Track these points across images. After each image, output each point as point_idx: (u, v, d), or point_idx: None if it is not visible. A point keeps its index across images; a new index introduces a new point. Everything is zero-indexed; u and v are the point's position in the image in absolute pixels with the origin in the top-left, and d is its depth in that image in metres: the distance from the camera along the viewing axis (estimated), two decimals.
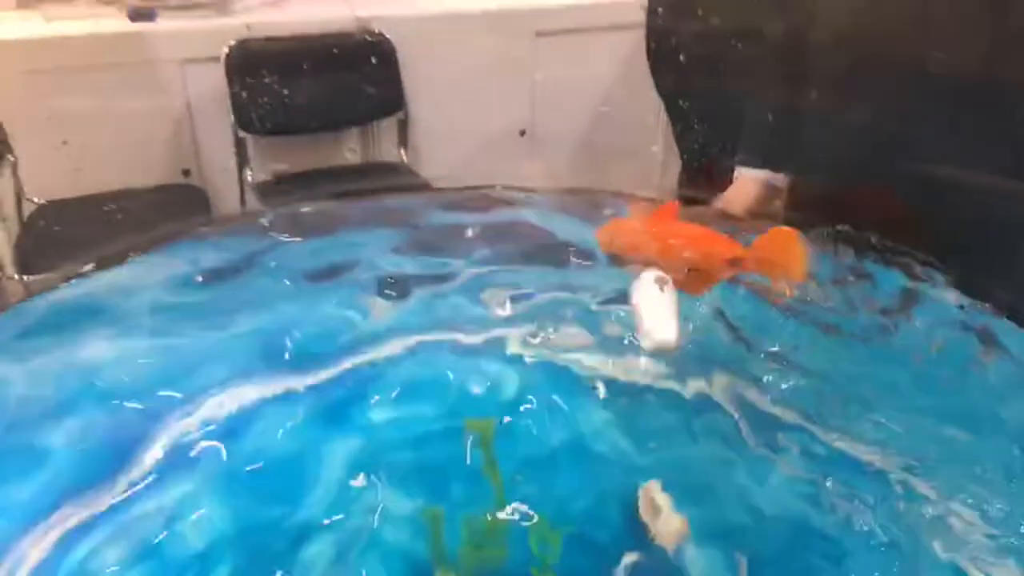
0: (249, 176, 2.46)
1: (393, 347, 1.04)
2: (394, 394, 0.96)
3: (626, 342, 1.06)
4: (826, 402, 0.97)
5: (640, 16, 2.45)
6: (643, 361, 1.04)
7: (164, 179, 2.42)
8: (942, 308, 1.08)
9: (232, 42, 2.33)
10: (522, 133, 2.72)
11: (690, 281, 1.03)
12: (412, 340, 1.05)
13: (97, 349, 1.01)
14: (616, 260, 1.20)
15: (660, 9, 2.23)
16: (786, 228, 1.19)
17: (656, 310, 0.97)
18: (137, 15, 2.35)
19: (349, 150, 2.58)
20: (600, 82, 2.72)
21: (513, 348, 1.06)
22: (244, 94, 2.36)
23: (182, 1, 2.40)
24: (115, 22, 2.34)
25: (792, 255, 1.14)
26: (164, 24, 2.35)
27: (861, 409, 0.96)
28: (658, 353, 0.96)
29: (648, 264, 1.13)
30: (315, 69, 2.39)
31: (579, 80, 2.70)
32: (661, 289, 0.99)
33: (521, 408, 0.96)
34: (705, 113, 1.95)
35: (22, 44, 2.26)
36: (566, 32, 2.64)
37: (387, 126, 2.56)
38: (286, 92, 2.38)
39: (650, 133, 2.55)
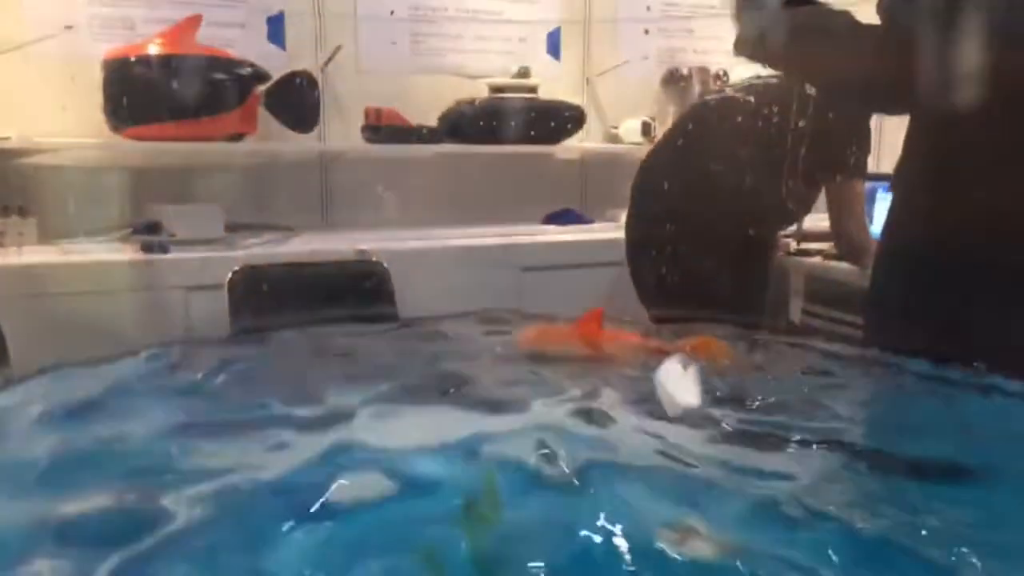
0: None
1: None
2: None
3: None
4: None
5: (619, 254, 2.68)
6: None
7: None
8: None
9: (236, 267, 2.46)
10: None
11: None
12: None
13: None
14: (537, 355, 1.24)
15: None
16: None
17: (679, 382, 1.00)
18: (150, 248, 2.51)
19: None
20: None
21: None
22: (243, 317, 2.45)
23: (192, 237, 2.58)
24: (129, 255, 2.50)
25: (716, 349, 1.23)
26: (174, 255, 2.50)
27: None
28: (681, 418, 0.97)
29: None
30: (313, 294, 2.51)
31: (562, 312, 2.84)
32: (684, 368, 1.03)
33: None
34: None
35: (34, 269, 2.38)
36: (550, 268, 2.84)
37: None
38: (284, 315, 2.47)
39: None
